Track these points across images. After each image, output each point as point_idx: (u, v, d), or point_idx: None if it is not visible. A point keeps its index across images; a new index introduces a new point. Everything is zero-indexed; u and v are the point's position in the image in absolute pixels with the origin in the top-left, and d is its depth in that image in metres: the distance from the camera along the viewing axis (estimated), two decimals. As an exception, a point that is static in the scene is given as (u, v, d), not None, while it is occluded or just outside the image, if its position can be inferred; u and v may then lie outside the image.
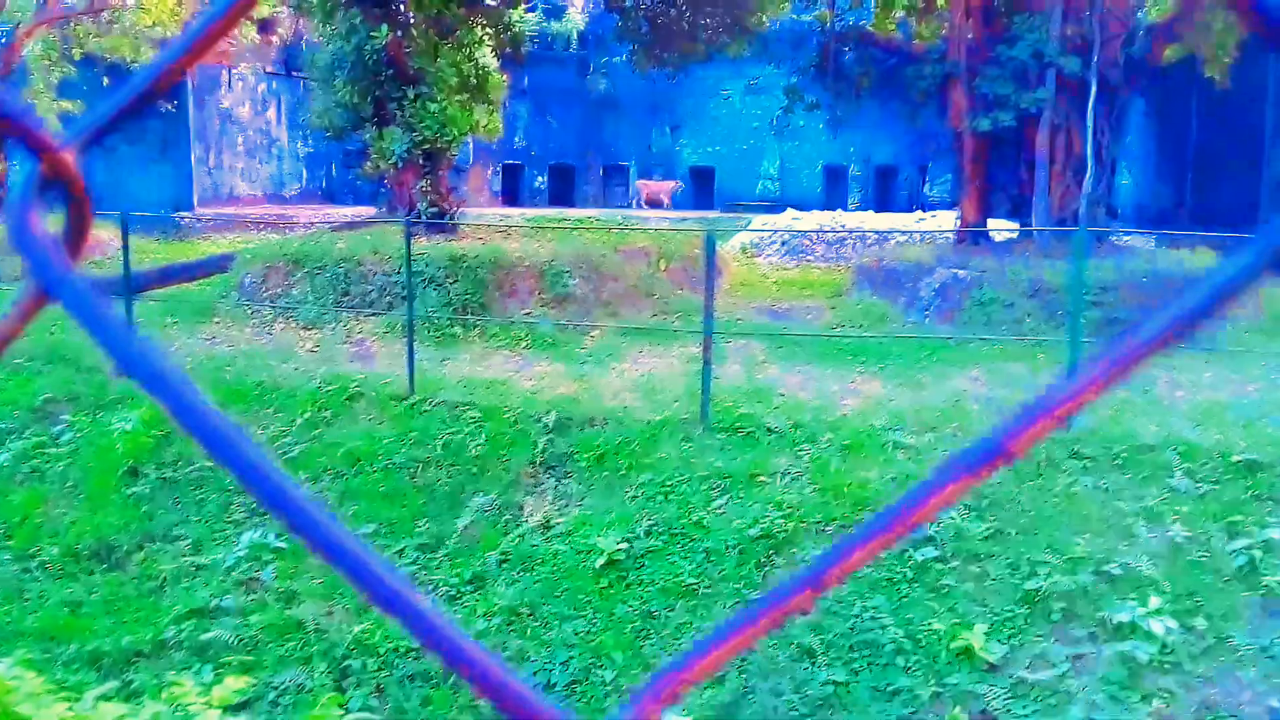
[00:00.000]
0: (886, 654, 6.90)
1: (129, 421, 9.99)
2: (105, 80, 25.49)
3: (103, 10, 24.42)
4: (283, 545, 8.47)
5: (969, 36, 15.63)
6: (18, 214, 0.45)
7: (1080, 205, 14.83)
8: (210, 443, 0.45)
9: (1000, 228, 17.41)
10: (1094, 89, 14.47)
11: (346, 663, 7.41)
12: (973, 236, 16.18)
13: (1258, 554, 7.09)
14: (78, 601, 8.26)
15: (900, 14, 19.80)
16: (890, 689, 6.73)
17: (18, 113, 0.45)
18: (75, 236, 0.48)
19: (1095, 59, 14.45)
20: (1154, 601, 6.80)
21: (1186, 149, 23.34)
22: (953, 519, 7.62)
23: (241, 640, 7.65)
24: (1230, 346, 11.75)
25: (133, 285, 12.15)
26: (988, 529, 7.56)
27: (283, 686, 7.30)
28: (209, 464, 9.45)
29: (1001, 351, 11.92)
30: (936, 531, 7.57)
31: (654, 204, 33.23)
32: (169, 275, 16.49)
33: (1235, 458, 7.99)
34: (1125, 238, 17.73)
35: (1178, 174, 23.90)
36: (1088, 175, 14.80)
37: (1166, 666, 6.54)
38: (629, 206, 33.72)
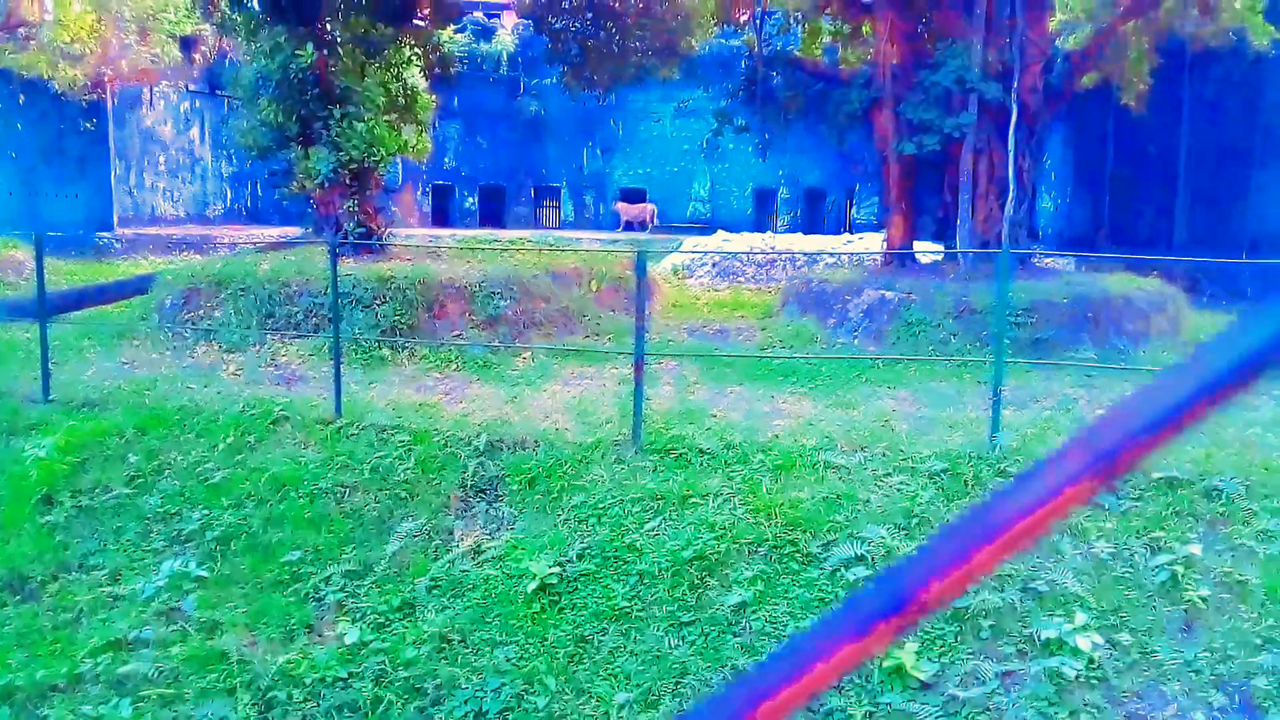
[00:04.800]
0: (819, 674, 6.91)
1: (43, 448, 9.68)
2: (21, 97, 24.90)
3: (19, 26, 23.83)
4: (204, 574, 8.25)
5: (894, 62, 15.90)
6: None
7: (1003, 228, 15.14)
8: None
9: (926, 250, 17.70)
10: (1015, 114, 14.80)
11: (271, 694, 7.22)
12: (899, 258, 16.43)
13: (1179, 569, 7.24)
14: (-12, 635, 7.96)
15: (827, 40, 20.11)
16: (824, 709, 6.73)
17: None
18: None
19: (1016, 85, 14.79)
20: (1080, 617, 6.90)
21: (1104, 173, 23.99)
22: (883, 538, 7.68)
23: (162, 673, 7.41)
24: (1148, 366, 12.04)
25: (48, 307, 11.80)
26: (917, 547, 7.62)
27: (204, 720, 7.09)
28: (127, 491, 9.18)
29: (929, 371, 12.08)
30: (867, 550, 7.62)
31: (640, 225, 33.03)
32: (86, 297, 16.08)
33: (1156, 475, 8.16)
34: (1046, 260, 18.14)
35: (1096, 197, 24.54)
36: (1010, 199, 15.11)
37: (1093, 682, 6.63)
38: (615, 229, 33.56)
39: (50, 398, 10.87)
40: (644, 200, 34.90)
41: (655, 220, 33.47)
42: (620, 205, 34.33)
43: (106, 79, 25.43)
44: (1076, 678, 6.62)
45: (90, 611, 8.10)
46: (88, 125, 26.22)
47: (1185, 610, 7.06)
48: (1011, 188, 15.08)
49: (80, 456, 9.61)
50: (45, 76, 24.03)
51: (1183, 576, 7.22)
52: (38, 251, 11.54)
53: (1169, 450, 8.49)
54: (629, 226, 33.04)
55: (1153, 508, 7.89)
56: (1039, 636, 6.91)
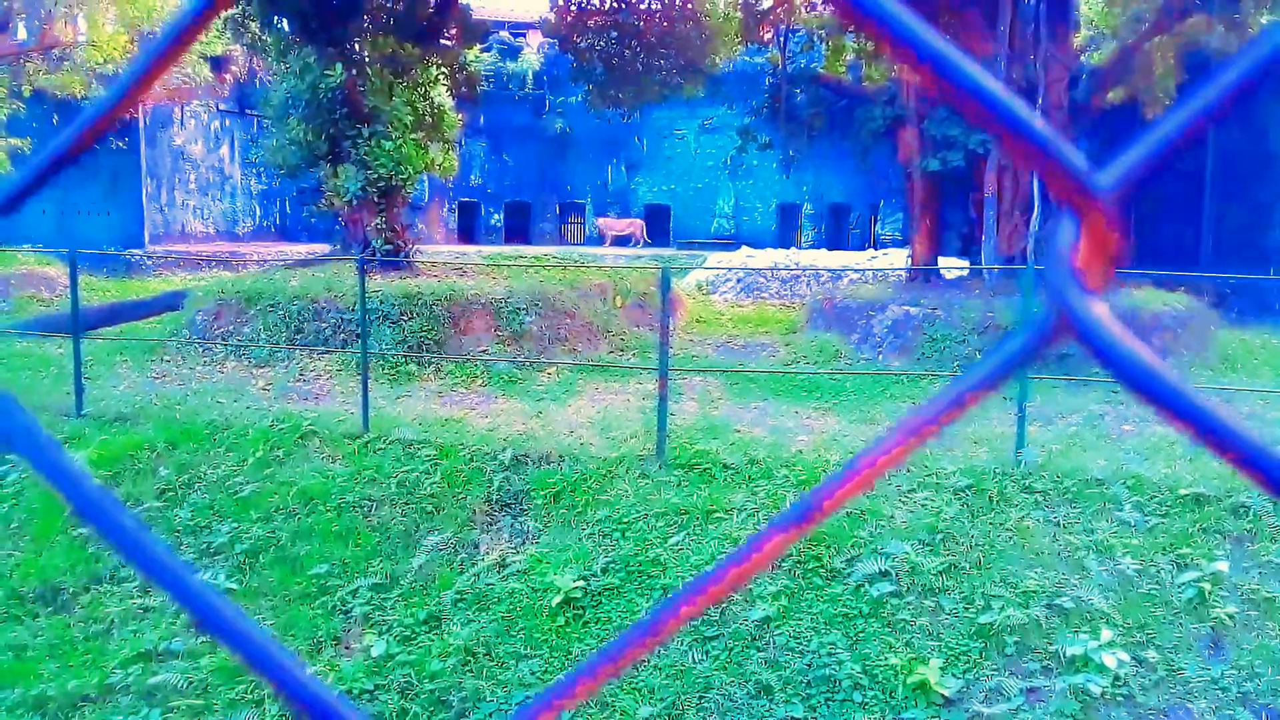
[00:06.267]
0: (844, 689, 6.92)
1: (76, 461, 9.80)
2: (55, 117, 25.30)
3: (53, 47, 24.24)
4: (234, 586, 8.34)
5: (918, 79, 15.92)
6: None
7: (1028, 243, 15.12)
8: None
9: (950, 265, 17.69)
10: (1039, 130, 14.78)
11: (299, 706, 7.28)
12: (924, 274, 16.43)
13: (1206, 586, 7.21)
14: (22, 645, 8.07)
15: (850, 57, 20.17)
16: (847, 725, 6.74)
17: None
18: None
19: (1040, 101, 14.79)
20: (1106, 634, 6.88)
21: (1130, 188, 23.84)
22: (907, 553, 7.68)
23: (191, 684, 7.50)
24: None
25: (81, 323, 11.99)
26: (942, 563, 7.62)
27: (233, 731, 7.17)
28: (158, 504, 9.31)
29: (953, 387, 12.05)
30: (891, 566, 7.62)
31: (625, 241, 33.37)
32: (119, 313, 16.30)
33: (1183, 491, 8.13)
34: (1072, 275, 18.04)
35: (1121, 213, 24.40)
36: (1035, 214, 15.09)
37: (1119, 699, 6.61)
38: (597, 243, 33.82)
39: (83, 412, 11.02)
40: (624, 217, 35.26)
41: (645, 236, 33.73)
42: (603, 221, 34.59)
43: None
44: (1102, 695, 6.60)
45: (121, 623, 8.21)
46: (120, 144, 26.61)
47: (1212, 627, 7.02)
48: (1036, 203, 15.06)
49: (112, 470, 9.75)
50: (79, 97, 24.44)
51: (1210, 593, 7.18)
52: (71, 268, 11.73)
53: (1195, 466, 8.45)
54: (616, 242, 33.30)
55: (1179, 524, 7.86)
56: (1064, 653, 6.89)
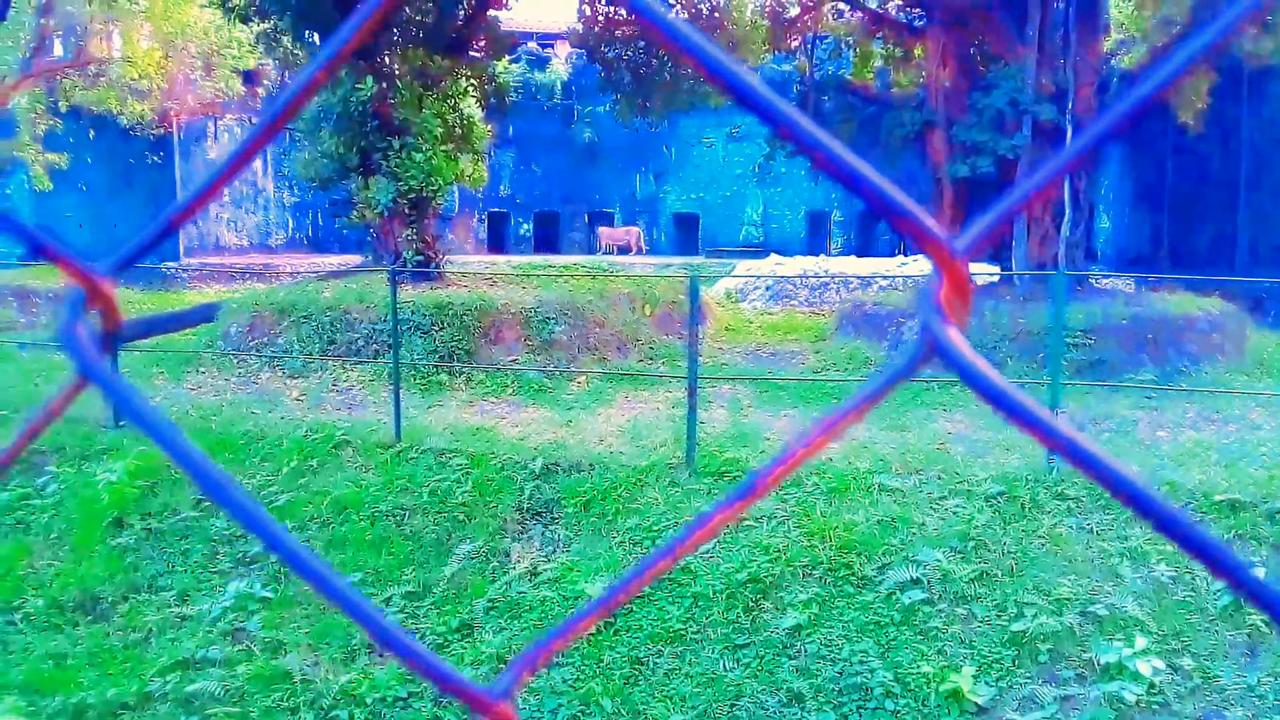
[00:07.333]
0: (876, 697, 6.90)
1: (114, 472, 9.96)
2: (91, 133, 25.69)
3: (89, 64, 24.60)
4: (269, 595, 8.43)
5: (946, 85, 15.90)
6: (67, 325, 0.61)
7: (1059, 249, 15.03)
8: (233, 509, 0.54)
9: (981, 272, 17.59)
10: (1069, 135, 14.72)
11: (334, 713, 7.36)
12: (954, 280, 16.33)
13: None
14: (62, 654, 8.19)
15: (878, 63, 20.14)
16: (880, 733, 6.72)
17: (67, 255, 0.61)
18: (107, 340, 0.64)
19: (1070, 106, 14.72)
20: (1140, 642, 6.83)
21: (1163, 192, 23.68)
22: (939, 561, 7.66)
23: (228, 691, 7.59)
24: (1211, 387, 11.87)
25: (118, 336, 12.14)
26: (974, 571, 7.59)
27: (269, 738, 7.25)
28: (194, 514, 9.42)
29: (985, 394, 11.99)
30: (923, 574, 7.60)
31: (623, 250, 33.68)
32: (155, 325, 16.50)
33: (1218, 497, 8.06)
34: (1104, 280, 17.95)
35: (1155, 217, 24.22)
36: (1066, 220, 15.00)
37: (1154, 707, 6.56)
38: (623, 252, 34.11)
39: (121, 423, 11.17)
40: (628, 225, 35.65)
41: (642, 245, 34.09)
42: (602, 230, 34.96)
43: (173, 113, 26.19)
44: (1137, 702, 6.55)
45: (159, 631, 8.32)
46: (155, 158, 26.98)
47: (1248, 634, 6.95)
48: (1068, 209, 14.98)
49: (150, 480, 9.88)
50: (114, 112, 24.82)
51: (1245, 600, 7.10)
52: (109, 282, 11.88)
53: (1230, 473, 8.37)
54: (614, 252, 33.63)
55: (1215, 530, 7.79)
56: (1098, 661, 6.84)
